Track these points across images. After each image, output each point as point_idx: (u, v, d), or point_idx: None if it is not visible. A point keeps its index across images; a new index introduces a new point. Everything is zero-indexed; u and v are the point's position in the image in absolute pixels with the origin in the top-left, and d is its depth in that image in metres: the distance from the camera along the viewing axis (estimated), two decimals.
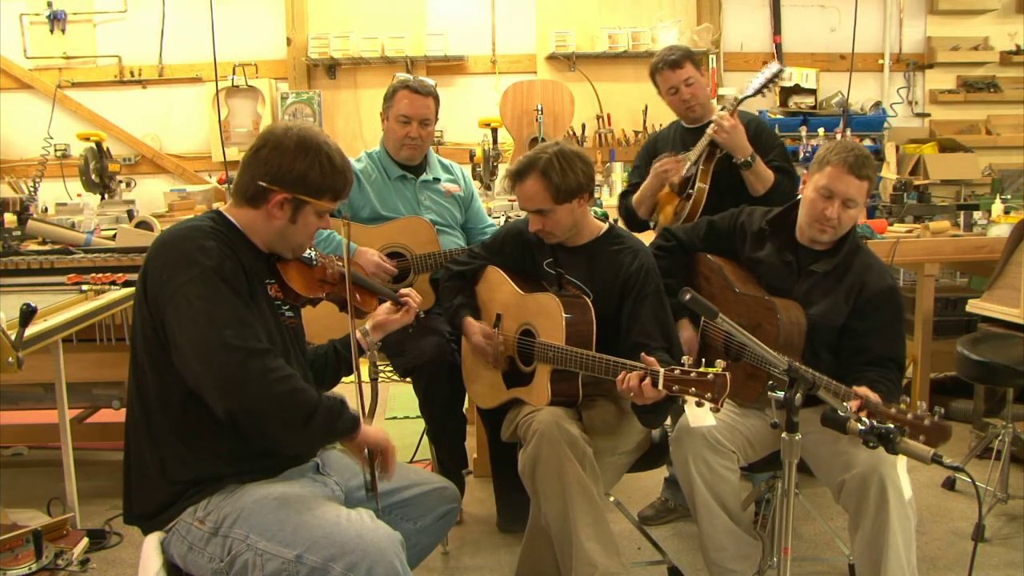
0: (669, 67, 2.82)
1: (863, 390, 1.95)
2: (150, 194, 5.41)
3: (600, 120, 5.84)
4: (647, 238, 2.86)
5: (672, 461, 2.26)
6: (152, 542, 1.68)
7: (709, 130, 2.73)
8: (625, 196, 3.08)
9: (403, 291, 2.13)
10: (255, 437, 1.66)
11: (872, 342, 2.21)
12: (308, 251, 1.91)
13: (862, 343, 2.22)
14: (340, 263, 1.98)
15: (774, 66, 2.78)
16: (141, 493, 1.71)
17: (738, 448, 2.20)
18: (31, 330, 2.28)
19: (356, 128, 5.80)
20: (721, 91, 5.77)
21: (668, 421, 2.35)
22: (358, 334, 2.04)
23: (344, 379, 2.08)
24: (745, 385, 2.22)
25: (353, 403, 1.79)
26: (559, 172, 2.21)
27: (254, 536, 1.60)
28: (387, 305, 2.12)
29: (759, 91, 2.81)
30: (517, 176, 2.27)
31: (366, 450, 1.75)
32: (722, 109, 2.81)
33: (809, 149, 5.39)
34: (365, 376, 2.01)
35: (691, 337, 2.43)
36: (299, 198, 1.73)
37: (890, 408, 1.83)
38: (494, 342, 2.39)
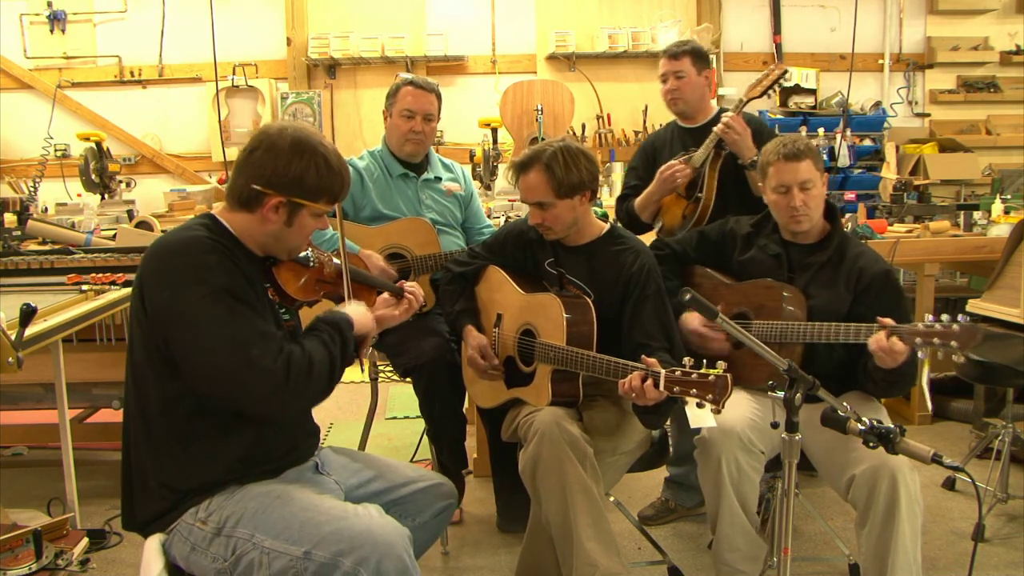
0: (668, 56, 2.87)
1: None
2: (150, 194, 5.42)
3: (600, 120, 5.84)
4: (649, 239, 2.86)
5: (697, 460, 2.23)
6: (153, 543, 1.67)
7: (717, 130, 2.73)
8: (624, 200, 3.03)
9: (406, 285, 2.09)
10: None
11: None
12: (306, 250, 1.87)
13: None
14: (339, 259, 1.96)
15: (780, 67, 2.79)
16: (143, 502, 1.69)
17: (766, 448, 2.21)
18: (31, 330, 2.28)
19: (356, 128, 5.80)
20: (721, 91, 5.78)
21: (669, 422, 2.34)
22: None
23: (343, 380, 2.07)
24: (753, 368, 2.23)
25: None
26: (562, 167, 2.21)
27: (259, 535, 1.59)
28: (386, 296, 2.07)
29: (765, 92, 2.81)
30: (521, 168, 2.27)
31: None
32: (723, 111, 2.80)
33: None
34: (363, 375, 2.00)
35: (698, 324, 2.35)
36: (295, 201, 1.69)
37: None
38: (487, 362, 2.39)
